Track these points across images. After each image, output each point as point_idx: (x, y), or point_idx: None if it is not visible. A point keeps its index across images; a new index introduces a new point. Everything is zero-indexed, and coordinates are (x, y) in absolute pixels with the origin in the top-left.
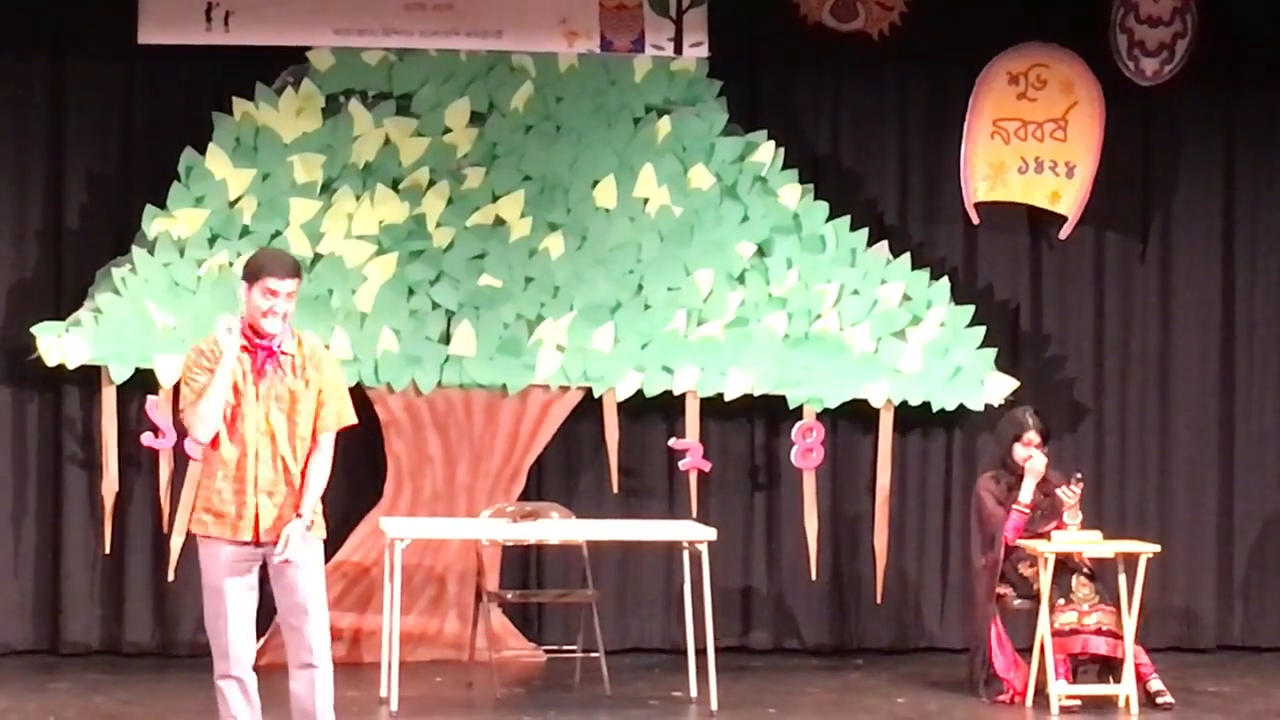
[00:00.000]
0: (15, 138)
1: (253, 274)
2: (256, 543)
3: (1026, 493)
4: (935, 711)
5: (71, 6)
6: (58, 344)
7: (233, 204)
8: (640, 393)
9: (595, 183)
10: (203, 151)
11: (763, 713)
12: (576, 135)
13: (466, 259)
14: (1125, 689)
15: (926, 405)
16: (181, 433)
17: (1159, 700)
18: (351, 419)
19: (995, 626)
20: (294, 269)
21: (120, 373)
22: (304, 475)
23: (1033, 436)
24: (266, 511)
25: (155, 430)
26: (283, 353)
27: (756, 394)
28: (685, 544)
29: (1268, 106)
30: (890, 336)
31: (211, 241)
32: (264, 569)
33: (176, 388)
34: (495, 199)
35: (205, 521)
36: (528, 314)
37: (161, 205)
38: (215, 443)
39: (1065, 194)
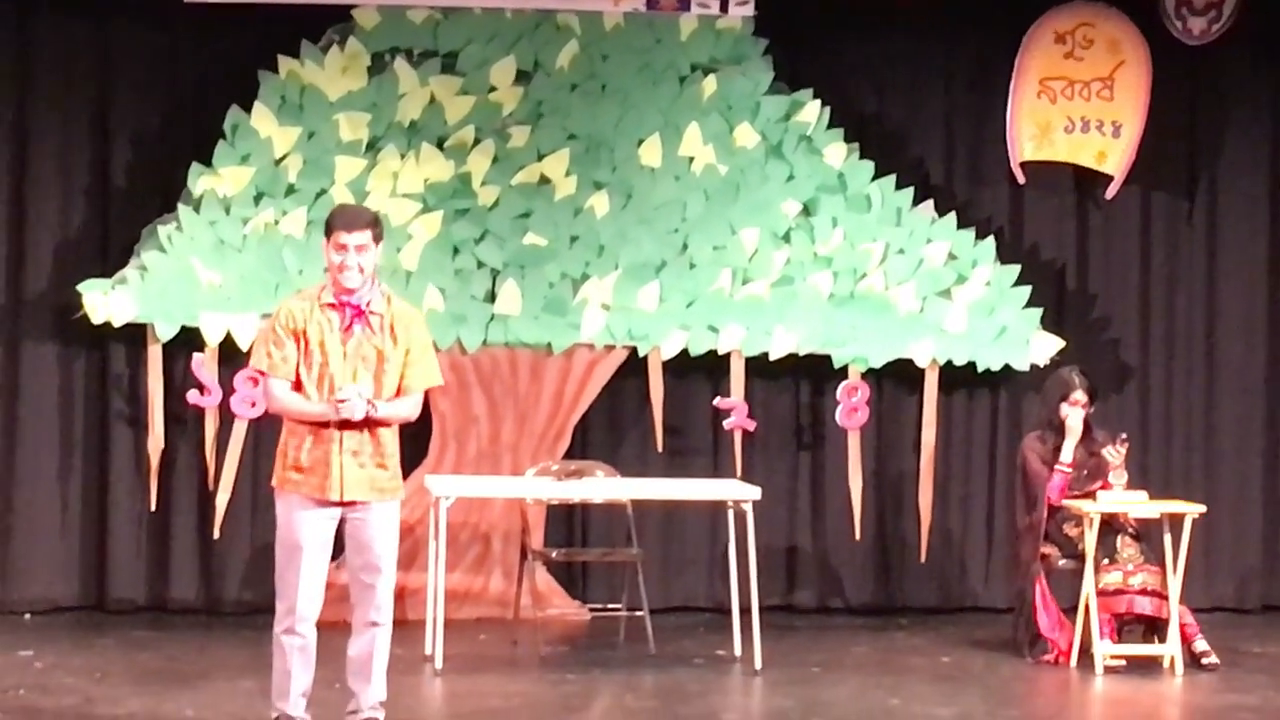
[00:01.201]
0: (62, 97)
1: (326, 229)
2: (340, 502)
3: (1067, 452)
4: (980, 671)
5: None
6: (104, 302)
7: (278, 162)
8: (685, 352)
9: (640, 141)
10: (248, 110)
11: (807, 672)
12: (622, 94)
13: (511, 218)
14: (1170, 649)
15: (972, 365)
16: (227, 390)
17: (1204, 660)
18: (438, 380)
19: (1040, 586)
20: (364, 221)
21: (166, 330)
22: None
23: (1080, 396)
24: (351, 471)
25: (201, 388)
26: (371, 312)
27: (801, 353)
28: (730, 503)
29: None
30: (935, 296)
31: (257, 199)
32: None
33: (224, 347)
34: (540, 157)
35: (291, 479)
36: (573, 273)
37: (207, 163)
38: None
39: (1111, 154)
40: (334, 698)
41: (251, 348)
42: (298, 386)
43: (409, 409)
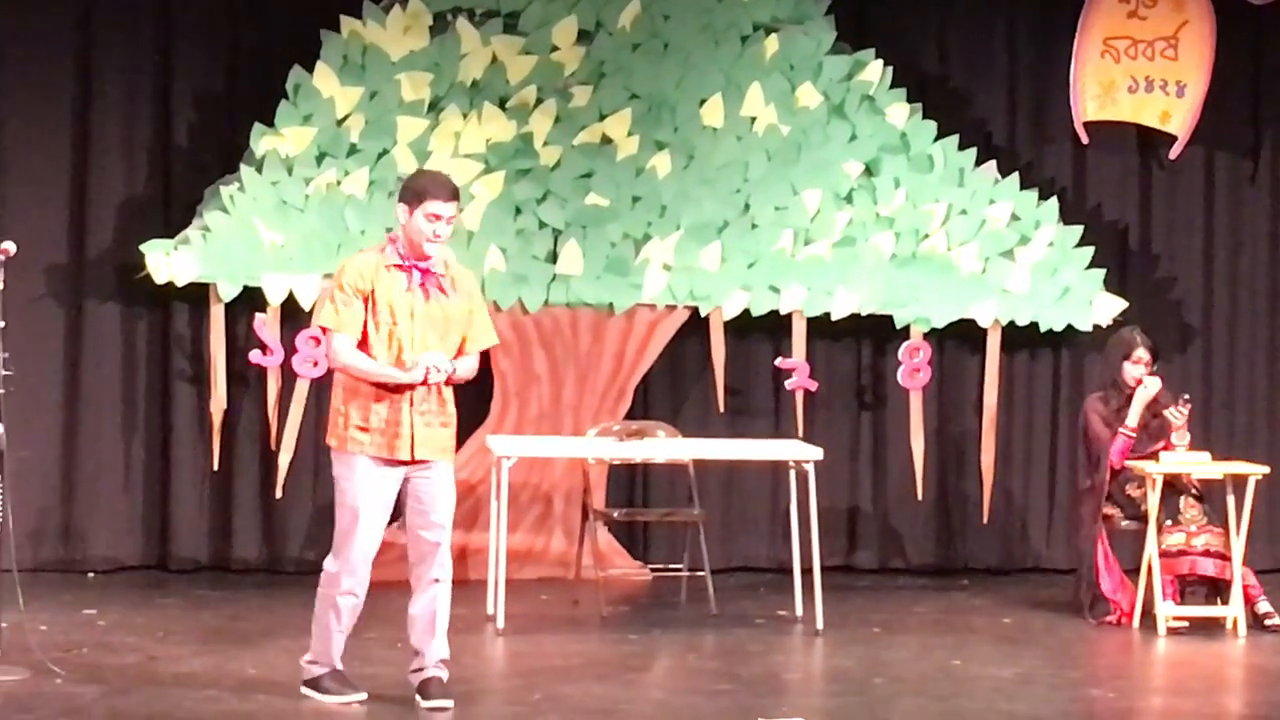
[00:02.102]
0: (125, 56)
1: (416, 196)
2: (409, 461)
3: (1134, 416)
4: (1041, 632)
5: None
6: (166, 262)
7: (340, 122)
8: (747, 312)
9: (702, 101)
10: (311, 70)
11: (868, 632)
12: (684, 53)
13: (573, 178)
14: (1233, 611)
15: (1034, 325)
16: (289, 350)
17: (1267, 622)
18: (495, 339)
19: (1102, 547)
20: (456, 191)
21: (228, 290)
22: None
23: (1142, 354)
24: (421, 431)
25: (263, 348)
26: (437, 273)
27: (863, 314)
28: (791, 463)
29: None
30: (998, 256)
31: (319, 160)
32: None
33: (286, 307)
34: (602, 117)
35: (358, 439)
36: (634, 233)
37: (269, 123)
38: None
39: (1175, 114)
40: (397, 656)
41: (314, 307)
42: (363, 345)
43: (472, 369)
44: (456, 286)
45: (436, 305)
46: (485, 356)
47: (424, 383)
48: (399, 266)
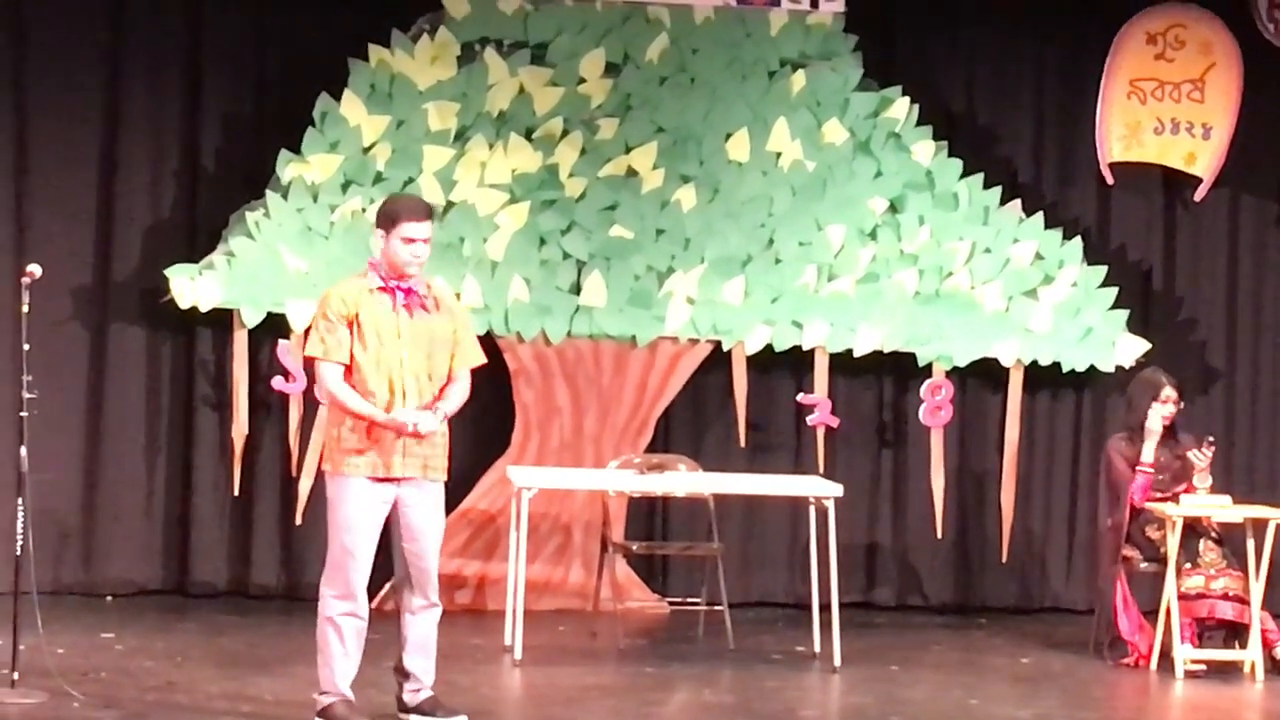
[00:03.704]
0: (152, 81)
1: (390, 220)
2: (399, 479)
3: (1148, 453)
4: (1059, 673)
5: None
6: (191, 286)
7: (366, 150)
8: (769, 347)
9: (728, 136)
10: (338, 97)
11: (886, 670)
12: (711, 88)
13: (598, 209)
14: (1251, 655)
15: (1057, 365)
16: (311, 377)
17: None
18: (483, 358)
19: (1121, 588)
20: (429, 210)
21: (252, 316)
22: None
23: (1170, 394)
24: (411, 449)
25: (286, 374)
26: (420, 293)
27: (886, 350)
28: (811, 499)
29: None
30: (1021, 296)
31: (345, 187)
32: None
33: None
34: (628, 150)
35: (350, 462)
36: (658, 266)
37: (296, 150)
38: (358, 385)
39: (1201, 156)
40: (387, 678)
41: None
42: (352, 371)
43: (463, 396)
44: (440, 305)
45: (422, 323)
46: (506, 387)
47: (410, 433)
48: (381, 289)
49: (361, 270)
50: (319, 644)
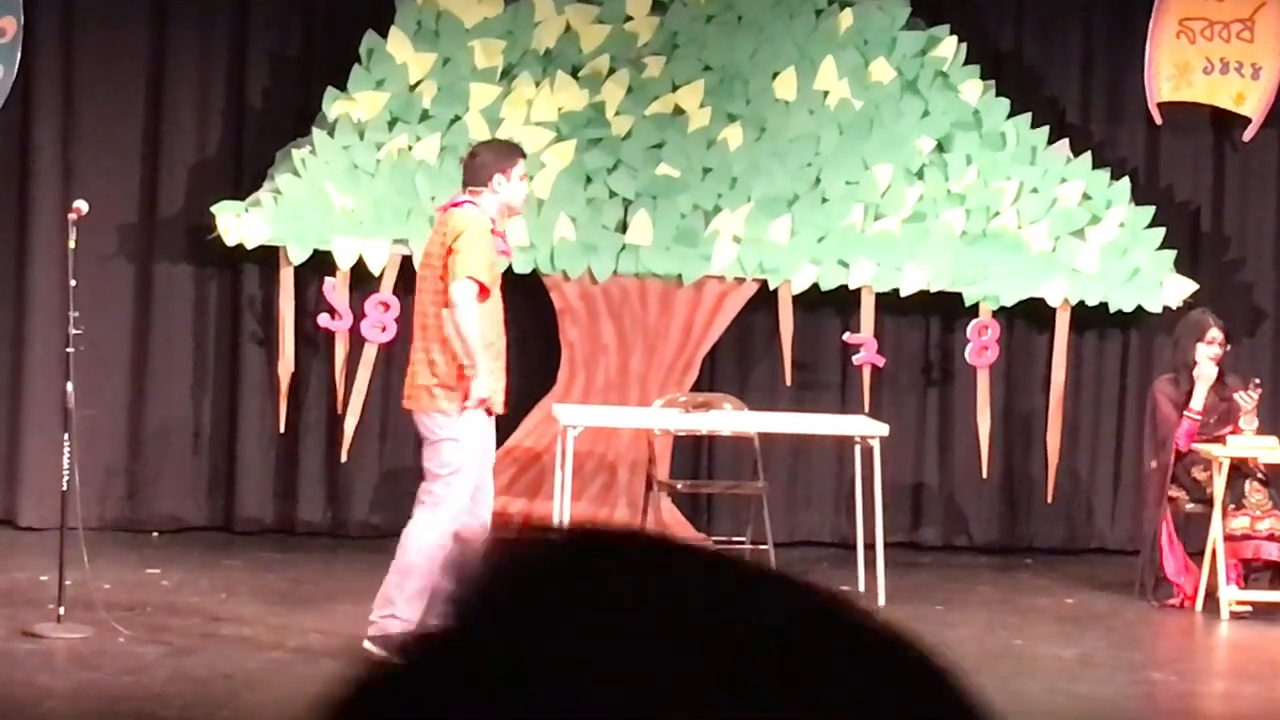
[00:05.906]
0: (199, 19)
1: (510, 160)
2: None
3: (1198, 399)
4: (1104, 613)
5: None
6: (237, 224)
7: (413, 88)
8: (815, 286)
9: (775, 74)
10: (384, 35)
11: (930, 609)
12: (758, 26)
13: (645, 148)
14: None
15: (1104, 305)
16: (358, 314)
17: None
18: None
19: (1166, 530)
20: None
21: (298, 254)
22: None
23: (1216, 334)
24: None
25: (332, 312)
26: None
27: (932, 290)
28: (857, 439)
29: None
30: (1069, 236)
31: (391, 125)
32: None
33: (355, 271)
34: (675, 88)
35: (484, 398)
36: (705, 204)
37: (342, 88)
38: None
39: (1250, 96)
40: None
41: (383, 271)
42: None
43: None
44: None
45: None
46: (552, 325)
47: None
48: (493, 231)
49: (462, 203)
50: (420, 569)
